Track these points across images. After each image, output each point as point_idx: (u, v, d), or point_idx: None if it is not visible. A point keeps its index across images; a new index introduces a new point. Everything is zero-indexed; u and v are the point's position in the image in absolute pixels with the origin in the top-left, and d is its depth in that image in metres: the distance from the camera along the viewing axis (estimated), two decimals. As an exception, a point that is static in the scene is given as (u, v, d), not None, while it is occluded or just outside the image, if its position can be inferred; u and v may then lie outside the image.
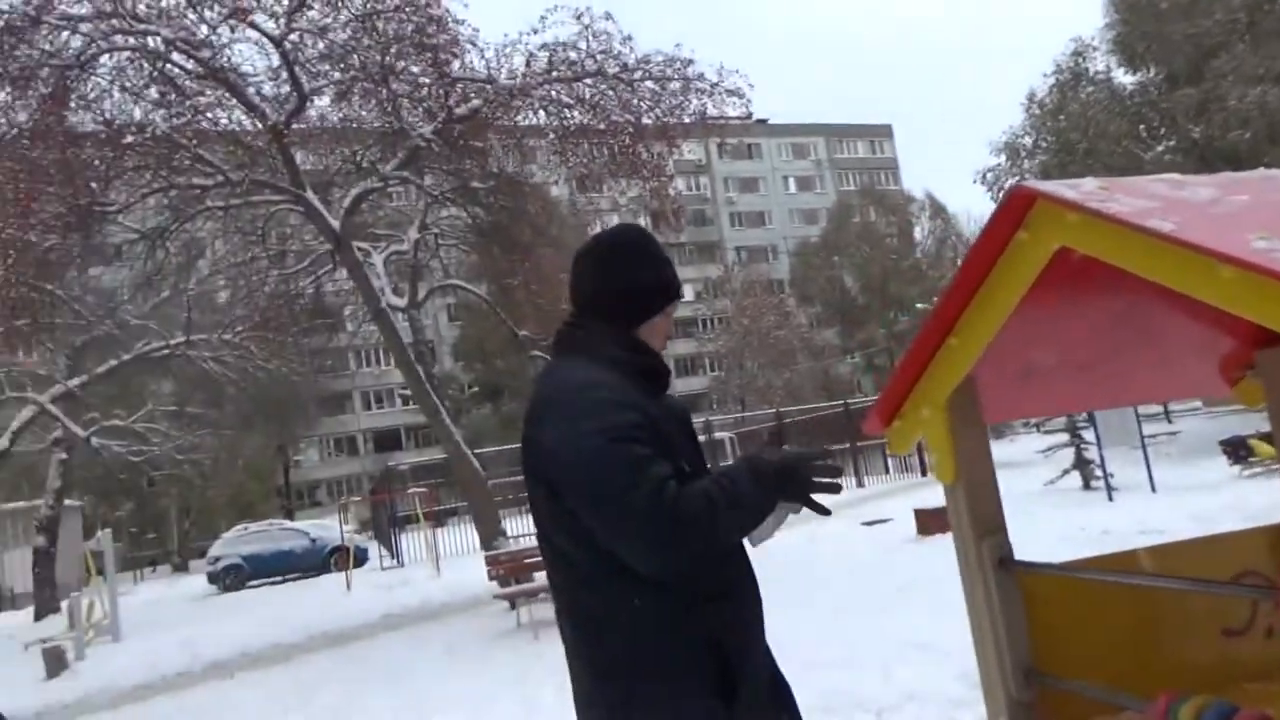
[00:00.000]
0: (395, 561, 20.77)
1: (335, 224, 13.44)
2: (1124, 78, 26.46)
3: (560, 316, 2.09)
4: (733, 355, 50.56)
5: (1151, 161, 22.44)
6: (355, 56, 12.81)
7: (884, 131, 76.41)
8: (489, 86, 13.59)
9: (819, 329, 55.45)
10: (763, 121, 64.05)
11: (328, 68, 13.25)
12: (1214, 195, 1.84)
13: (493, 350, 45.41)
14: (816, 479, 1.68)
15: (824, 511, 1.76)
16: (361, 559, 21.16)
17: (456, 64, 13.48)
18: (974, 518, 2.18)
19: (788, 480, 1.66)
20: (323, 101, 14.31)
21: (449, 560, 17.95)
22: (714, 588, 1.73)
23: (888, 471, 22.12)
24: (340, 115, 14.76)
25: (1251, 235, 1.51)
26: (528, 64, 13.74)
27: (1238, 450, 13.73)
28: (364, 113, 14.45)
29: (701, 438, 20.07)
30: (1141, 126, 24.84)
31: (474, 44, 13.47)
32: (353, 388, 55.04)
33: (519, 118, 14.43)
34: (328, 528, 25.13)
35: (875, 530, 13.60)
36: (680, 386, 52.31)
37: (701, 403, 52.65)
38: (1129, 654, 2.25)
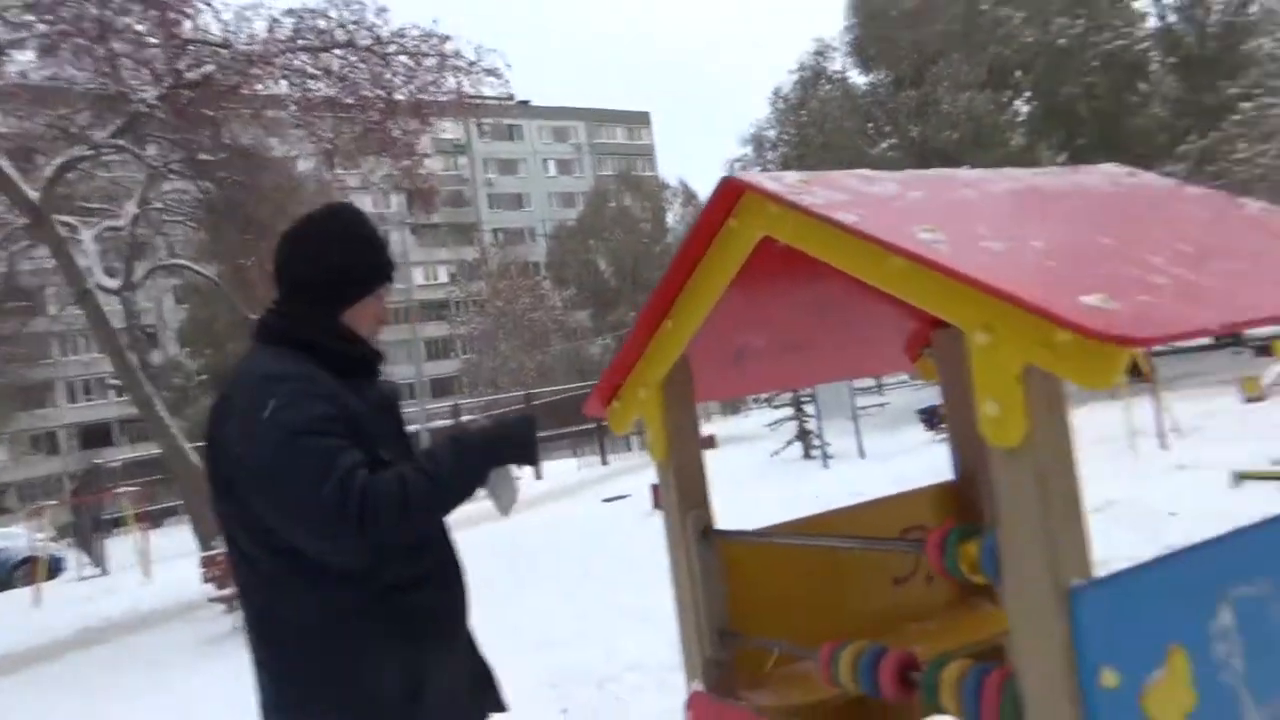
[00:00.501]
0: (99, 570, 18.78)
1: (34, 195, 11.91)
2: (858, 78, 28.81)
3: None
4: (486, 338, 50.16)
5: (876, 157, 24.56)
6: (66, 7, 11.34)
7: (642, 118, 78.52)
8: (224, 51, 12.54)
9: (573, 311, 56.20)
10: (524, 103, 63.81)
11: (32, 19, 11.65)
12: (896, 191, 2.02)
13: (223, 335, 42.06)
14: (528, 438, 1.74)
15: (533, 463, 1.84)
16: (57, 570, 18.97)
17: (188, 24, 12.32)
18: (681, 492, 2.29)
19: (501, 446, 1.68)
20: (24, 56, 12.59)
21: (164, 564, 16.43)
22: (408, 579, 1.69)
23: (630, 449, 22.84)
24: (46, 73, 13.04)
25: (918, 228, 1.67)
26: (270, 30, 12.82)
27: (931, 418, 15.42)
28: (76, 72, 12.85)
29: (448, 421, 19.82)
30: (870, 125, 27.13)
31: (209, 4, 12.37)
32: (55, 378, 49.01)
33: (258, 86, 13.42)
34: (14, 536, 21.99)
35: (614, 506, 14.04)
36: (431, 370, 51.22)
37: (453, 386, 51.96)
38: (814, 609, 2.48)
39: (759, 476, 14.05)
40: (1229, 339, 22.51)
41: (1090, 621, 1.43)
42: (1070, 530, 1.47)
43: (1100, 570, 1.49)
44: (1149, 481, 7.94)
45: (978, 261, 1.52)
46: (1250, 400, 12.52)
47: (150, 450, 20.33)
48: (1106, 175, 2.43)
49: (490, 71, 14.02)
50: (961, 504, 2.80)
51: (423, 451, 1.66)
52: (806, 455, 16.23)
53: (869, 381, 31.48)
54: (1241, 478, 6.97)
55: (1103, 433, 11.23)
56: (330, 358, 1.74)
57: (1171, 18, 25.03)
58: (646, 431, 2.35)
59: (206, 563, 9.89)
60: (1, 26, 11.29)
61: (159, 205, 16.37)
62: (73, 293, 13.35)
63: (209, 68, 12.52)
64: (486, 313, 50.26)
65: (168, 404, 13.12)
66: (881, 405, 25.76)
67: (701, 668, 2.26)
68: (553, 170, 72.81)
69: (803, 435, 16.58)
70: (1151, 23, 25.01)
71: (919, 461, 12.13)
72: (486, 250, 60.37)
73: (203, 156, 14.03)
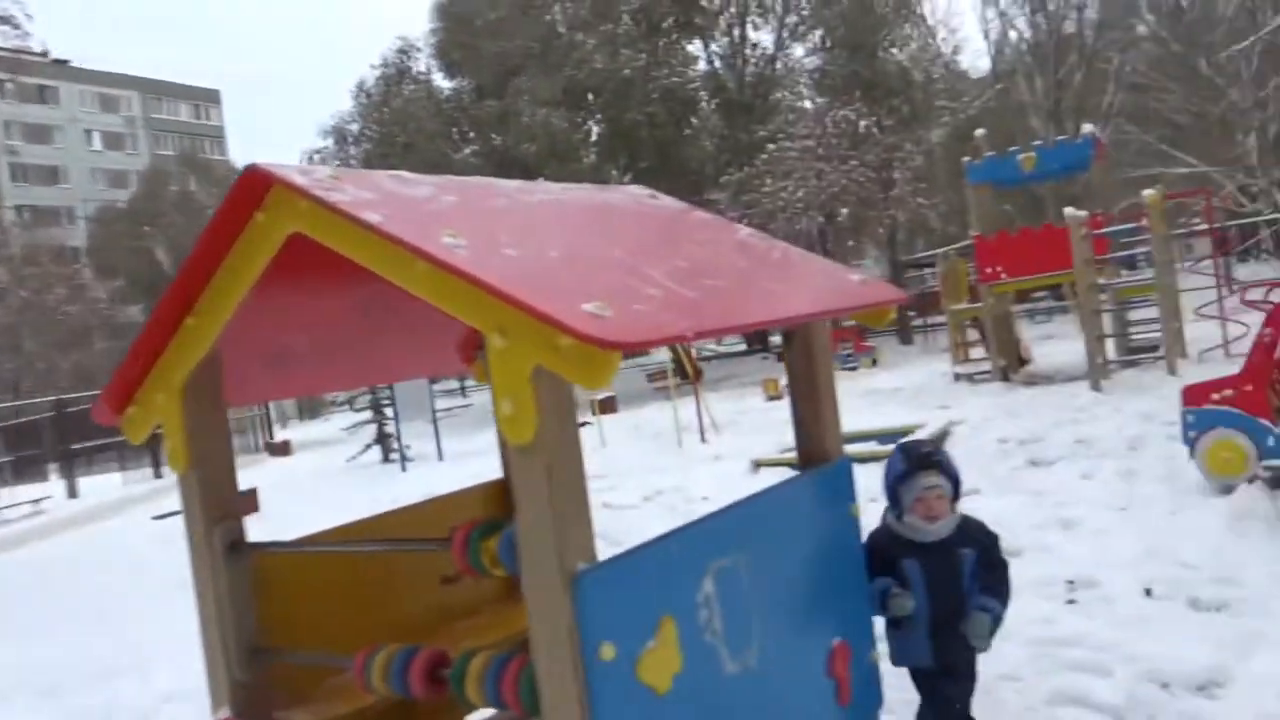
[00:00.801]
0: None
1: None
2: (443, 82, 28.93)
3: None
4: (7, 333, 42.32)
5: (459, 162, 24.90)
6: None
7: (211, 96, 71.51)
8: None
9: (121, 306, 49.57)
10: (62, 62, 54.71)
11: None
12: (430, 194, 2.04)
13: None
14: None
15: None
16: None
17: None
18: (206, 505, 2.11)
19: None
20: None
21: None
22: None
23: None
24: None
25: (443, 232, 1.70)
26: None
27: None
28: None
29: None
30: (454, 129, 27.41)
31: None
32: None
33: None
34: None
35: (165, 523, 12.70)
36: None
37: (-35, 391, 43.19)
38: (360, 616, 2.43)
39: (336, 483, 13.47)
40: (758, 345, 26.29)
41: (591, 601, 1.56)
42: (577, 520, 1.59)
43: None
44: (690, 471, 8.94)
45: (494, 267, 1.59)
46: (770, 399, 14.65)
47: None
48: (631, 195, 2.69)
49: (3, 19, 11.87)
50: (509, 500, 2.92)
51: None
52: (386, 459, 15.92)
53: (453, 383, 31.86)
54: (758, 465, 8.16)
55: (657, 429, 12.49)
56: None
57: (717, 64, 28.67)
58: (165, 440, 2.13)
59: None
60: None
61: None
62: None
63: None
64: (7, 304, 42.22)
65: None
66: (465, 406, 26.17)
67: (229, 691, 2.10)
68: (98, 143, 63.34)
69: (382, 438, 16.24)
70: (702, 66, 28.43)
71: (492, 462, 12.45)
72: (7, 230, 50.74)
73: None
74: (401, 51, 28.59)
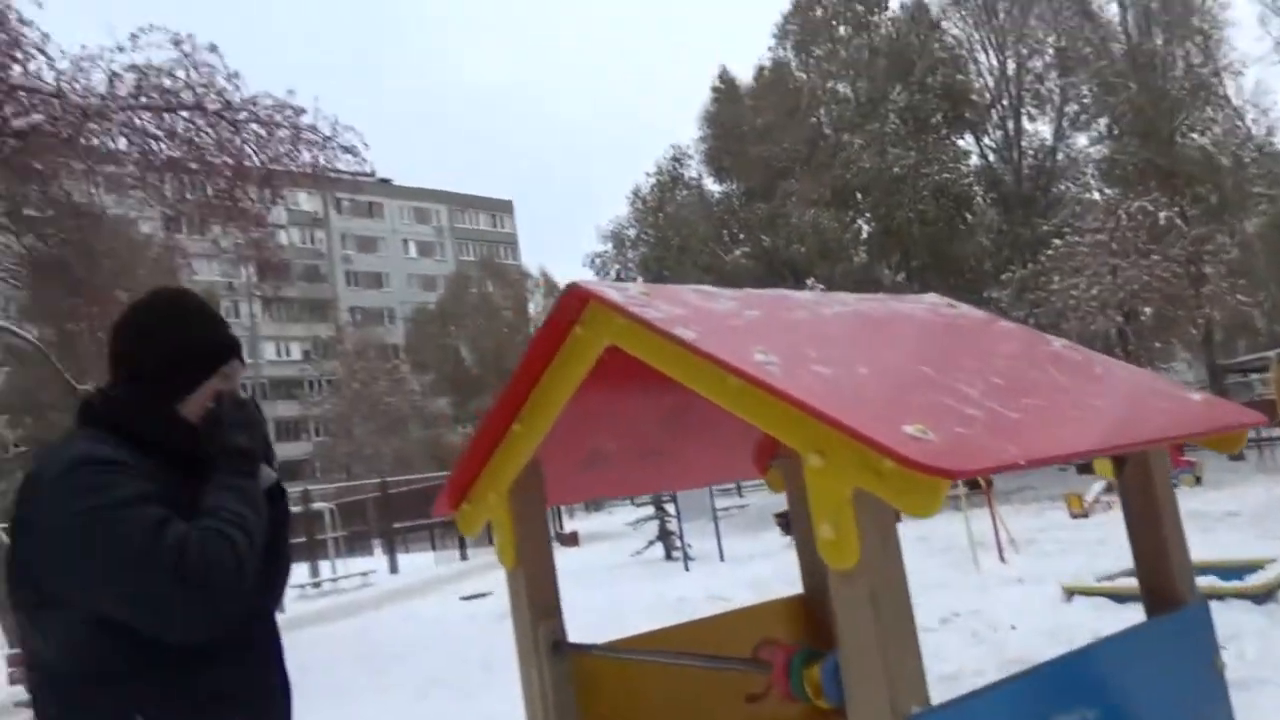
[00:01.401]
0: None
1: None
2: (713, 186, 30.19)
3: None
4: (340, 420, 48.23)
5: (731, 263, 25.62)
6: None
7: (505, 206, 79.20)
8: (57, 101, 11.89)
9: (432, 397, 55.03)
10: (385, 181, 63.22)
11: None
12: (734, 309, 2.09)
13: (47, 403, 38.79)
14: (253, 426, 1.75)
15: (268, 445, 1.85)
16: None
17: (17, 69, 11.62)
18: (532, 602, 2.23)
19: (251, 458, 1.71)
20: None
21: (-39, 660, 14.70)
22: (226, 693, 1.60)
23: (491, 543, 22.23)
24: None
25: (754, 349, 1.73)
26: (110, 84, 12.25)
27: (787, 522, 15.80)
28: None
29: (298, 508, 18.66)
30: (725, 231, 28.37)
31: (42, 50, 11.73)
32: None
33: (94, 142, 12.76)
34: None
35: (473, 604, 13.57)
36: (281, 452, 48.49)
37: (304, 470, 49.42)
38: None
39: (622, 577, 13.89)
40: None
41: (924, 748, 1.46)
42: (906, 654, 1.50)
43: (947, 685, 1.53)
44: (989, 594, 8.28)
45: (808, 385, 1.58)
46: (1076, 516, 13.38)
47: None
48: (929, 306, 2.61)
49: (346, 148, 13.83)
50: (810, 617, 2.84)
51: (207, 508, 1.56)
52: (668, 556, 16.25)
53: (729, 484, 32.11)
54: (1071, 593, 7.39)
55: (947, 544, 11.76)
56: (155, 450, 1.64)
57: (991, 157, 27.67)
58: (495, 537, 2.29)
59: (14, 661, 8.72)
60: None
61: (-26, 260, 15.12)
62: None
63: (38, 117, 11.80)
64: (341, 394, 48.38)
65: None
66: (742, 507, 26.22)
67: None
68: (413, 251, 71.99)
69: (664, 535, 16.62)
70: (975, 160, 27.55)
71: (776, 565, 12.31)
72: (343, 329, 58.54)
73: (28, 211, 13.13)
74: (674, 159, 30.22)
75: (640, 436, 2.69)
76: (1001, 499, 15.14)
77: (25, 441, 44.87)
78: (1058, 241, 21.25)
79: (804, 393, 1.53)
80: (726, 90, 29.91)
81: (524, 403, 2.20)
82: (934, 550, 11.49)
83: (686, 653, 2.41)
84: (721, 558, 15.03)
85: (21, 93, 11.76)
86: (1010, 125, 27.24)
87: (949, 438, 1.45)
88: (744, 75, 30.59)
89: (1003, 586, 8.70)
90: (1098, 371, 2.21)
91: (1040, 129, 27.65)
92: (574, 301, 2.03)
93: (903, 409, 1.57)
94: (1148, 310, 19.65)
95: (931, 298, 2.76)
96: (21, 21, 11.41)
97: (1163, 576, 2.08)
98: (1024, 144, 27.15)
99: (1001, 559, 10.32)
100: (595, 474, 2.72)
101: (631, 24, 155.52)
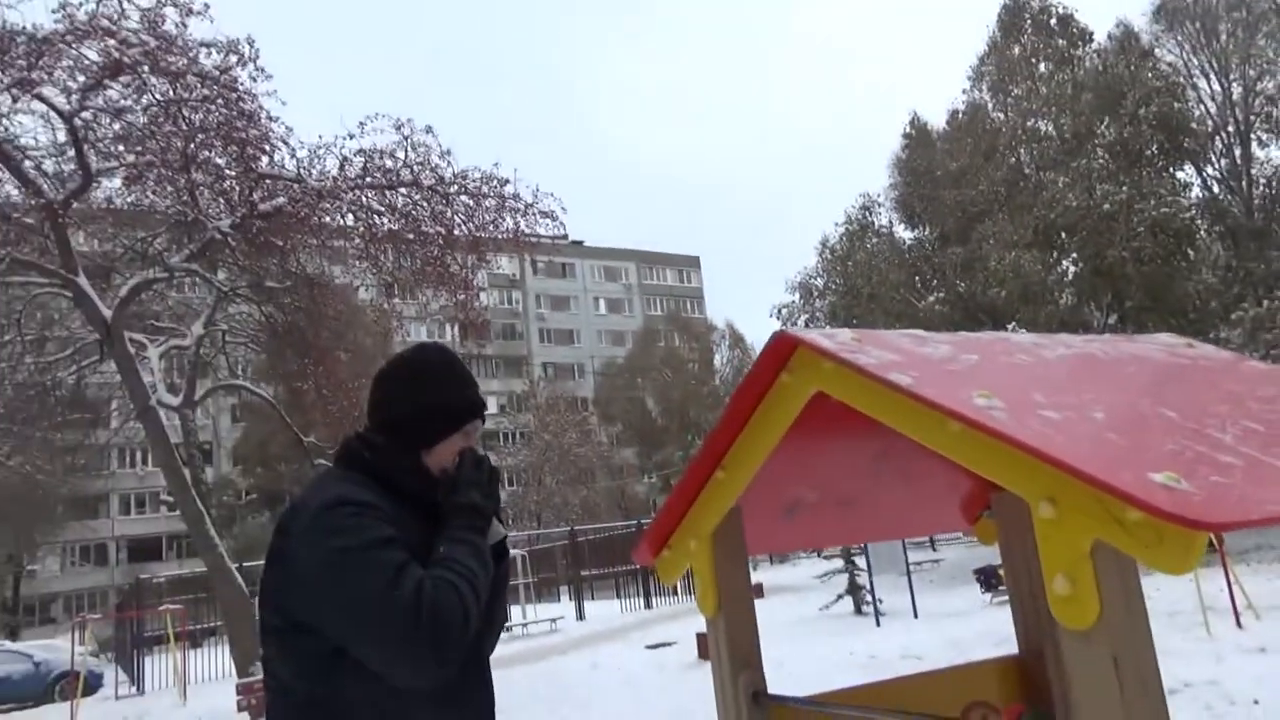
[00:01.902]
0: (135, 688, 18.39)
1: (107, 312, 12.46)
2: (904, 233, 29.43)
3: (350, 424, 2.04)
4: (532, 470, 50.06)
5: (924, 310, 24.74)
6: (154, 141, 12.17)
7: (692, 262, 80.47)
8: (297, 185, 13.26)
9: (619, 448, 56.16)
10: (578, 243, 65.91)
11: (122, 149, 12.50)
12: (950, 353, 2.02)
13: (275, 455, 42.71)
14: (489, 485, 1.85)
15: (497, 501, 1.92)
16: (94, 686, 18.69)
17: (265, 159, 13.10)
18: (732, 651, 2.20)
19: (483, 512, 1.79)
20: (112, 183, 13.45)
21: (200, 687, 16.16)
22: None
23: (676, 593, 22.31)
24: (130, 199, 13.88)
25: (975, 393, 1.66)
26: (341, 167, 13.57)
27: (989, 579, 14.87)
28: (157, 199, 13.67)
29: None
30: (917, 278, 27.48)
31: (285, 142, 13.18)
32: (110, 489, 49.07)
33: (326, 219, 14.12)
34: (56, 649, 21.86)
35: (658, 653, 13.57)
36: (481, 500, 50.74)
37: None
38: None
39: (809, 631, 13.54)
40: (1293, 511, 21.67)
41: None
42: (1151, 722, 1.38)
43: None
44: (1226, 663, 7.49)
45: (1037, 430, 1.49)
46: (1325, 577, 11.92)
47: (196, 568, 20.33)
48: (1164, 346, 2.41)
49: (546, 213, 14.58)
50: (1027, 680, 2.65)
51: (440, 558, 1.66)
52: (858, 611, 15.68)
53: (922, 537, 30.72)
54: None
55: (1172, 607, 10.72)
56: (402, 493, 1.77)
57: (1215, 188, 25.41)
58: (696, 584, 2.29)
59: (243, 690, 9.64)
60: (94, 155, 12.10)
61: (224, 327, 16.98)
62: (135, 408, 13.71)
63: (281, 200, 13.20)
64: (533, 445, 50.37)
65: (217, 522, 13.24)
66: (936, 561, 25.04)
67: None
68: (603, 308, 74.35)
69: (853, 589, 16.07)
70: (1196, 192, 25.39)
71: (975, 625, 11.63)
72: (536, 383, 61.12)
73: (269, 283, 14.62)
74: (864, 208, 29.66)
75: (837, 485, 2.63)
76: (1236, 558, 13.61)
77: (255, 490, 49.45)
78: (1299, 276, 19.16)
79: (1033, 437, 1.45)
80: (918, 135, 29.24)
81: (728, 450, 2.20)
82: (1159, 613, 10.46)
83: (897, 710, 2.31)
84: (915, 614, 14.32)
85: (268, 180, 13.22)
86: (1237, 153, 25.01)
87: (1204, 486, 1.33)
88: (936, 119, 29.86)
89: (1241, 656, 7.83)
90: (1375, 415, 1.96)
91: (1273, 154, 25.24)
92: (782, 348, 2.02)
93: (1147, 455, 1.45)
94: None
95: (1166, 337, 2.55)
96: (269, 118, 12.87)
97: None
98: (1254, 172, 24.81)
99: (1239, 624, 9.28)
100: (795, 523, 2.67)
101: (814, 74, 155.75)
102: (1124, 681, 1.35)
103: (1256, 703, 6.07)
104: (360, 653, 1.56)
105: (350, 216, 14.08)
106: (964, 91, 28.57)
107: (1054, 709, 2.14)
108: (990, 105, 28.00)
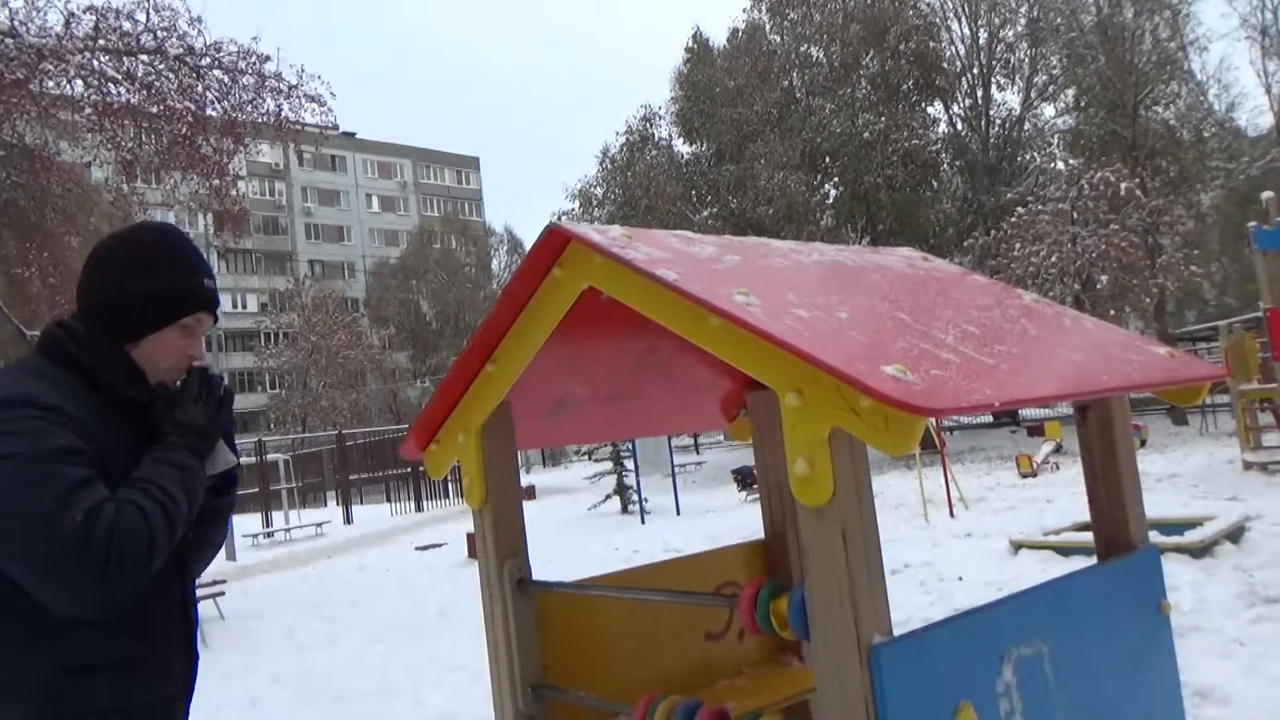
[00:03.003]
0: None
1: None
2: (682, 147, 30.01)
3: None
4: (297, 372, 47.70)
5: (698, 224, 25.55)
6: None
7: (471, 163, 78.12)
8: (10, 42, 11.47)
9: (391, 351, 54.58)
10: (350, 134, 62.07)
11: None
12: (714, 254, 2.09)
13: (-3, 352, 37.92)
14: (220, 406, 1.72)
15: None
16: None
17: (-34, 7, 11.20)
18: (498, 541, 2.23)
19: (205, 436, 1.65)
20: None
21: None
22: (114, 655, 1.51)
23: (448, 496, 22.29)
24: None
25: (735, 290, 1.73)
26: (67, 25, 11.83)
27: (746, 479, 16.00)
28: None
29: (252, 459, 18.35)
30: (693, 192, 28.25)
31: (-6, -14, 11.31)
32: None
33: (49, 84, 12.34)
34: None
35: (427, 554, 13.63)
36: (236, 404, 47.92)
37: (259, 421, 48.88)
38: (628, 663, 2.47)
39: (578, 529, 14.02)
40: (1006, 418, 24.74)
41: (890, 678, 1.50)
42: (873, 588, 1.54)
43: (897, 630, 1.57)
44: (940, 547, 8.54)
45: (789, 326, 1.59)
46: (1024, 476, 13.75)
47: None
48: (904, 258, 2.63)
49: (312, 98, 13.52)
50: (770, 561, 2.89)
51: (138, 477, 1.49)
52: (624, 510, 16.37)
53: (686, 440, 32.40)
54: (1018, 546, 7.63)
55: (900, 500, 12.03)
56: (107, 389, 1.59)
57: (960, 125, 27.79)
58: (464, 477, 2.29)
59: None
60: None
61: (-81, 201, 14.62)
62: None
63: (-10, 58, 11.41)
64: (298, 347, 47.78)
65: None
66: (699, 464, 26.52)
67: (513, 720, 2.19)
68: (376, 206, 70.86)
69: (621, 490, 16.74)
70: (943, 128, 27.66)
71: (731, 520, 12.51)
72: (301, 281, 57.63)
73: (-23, 154, 12.71)
74: (645, 120, 29.95)
75: (607, 383, 2.69)
76: (953, 458, 15.45)
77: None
78: (1020, 210, 21.48)
79: (785, 333, 1.54)
80: (699, 51, 29.62)
81: (498, 344, 2.19)
82: (887, 505, 11.79)
83: (653, 589, 2.45)
84: (678, 512, 15.21)
85: (-31, 29, 11.34)
86: (979, 94, 27.34)
87: (926, 379, 1.47)
88: (718, 37, 30.33)
89: (952, 540, 8.95)
90: (1067, 324, 2.25)
91: (1009, 99, 27.81)
92: (554, 242, 2.01)
93: (882, 351, 1.59)
94: (1104, 278, 19.97)
95: (906, 251, 2.78)
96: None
97: (1118, 523, 2.14)
98: (992, 113, 27.28)
99: (952, 515, 10.60)
100: (561, 420, 2.72)
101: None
102: (850, 552, 1.49)
103: (960, 579, 6.99)
104: (13, 571, 1.39)
105: (80, 83, 12.39)
106: (744, 11, 29.21)
107: (791, 582, 2.35)
108: (768, 27, 28.82)
